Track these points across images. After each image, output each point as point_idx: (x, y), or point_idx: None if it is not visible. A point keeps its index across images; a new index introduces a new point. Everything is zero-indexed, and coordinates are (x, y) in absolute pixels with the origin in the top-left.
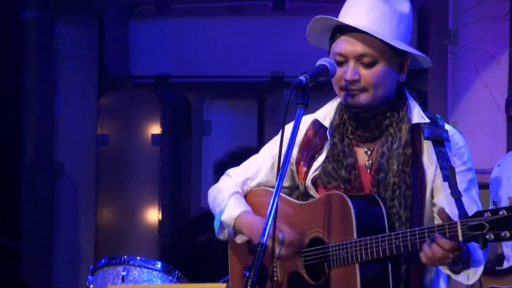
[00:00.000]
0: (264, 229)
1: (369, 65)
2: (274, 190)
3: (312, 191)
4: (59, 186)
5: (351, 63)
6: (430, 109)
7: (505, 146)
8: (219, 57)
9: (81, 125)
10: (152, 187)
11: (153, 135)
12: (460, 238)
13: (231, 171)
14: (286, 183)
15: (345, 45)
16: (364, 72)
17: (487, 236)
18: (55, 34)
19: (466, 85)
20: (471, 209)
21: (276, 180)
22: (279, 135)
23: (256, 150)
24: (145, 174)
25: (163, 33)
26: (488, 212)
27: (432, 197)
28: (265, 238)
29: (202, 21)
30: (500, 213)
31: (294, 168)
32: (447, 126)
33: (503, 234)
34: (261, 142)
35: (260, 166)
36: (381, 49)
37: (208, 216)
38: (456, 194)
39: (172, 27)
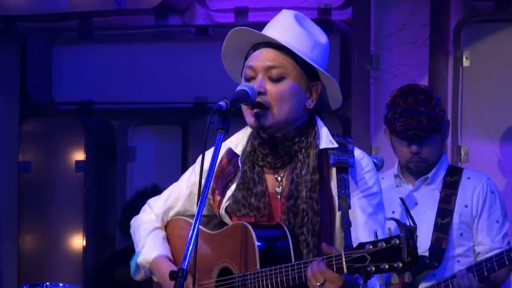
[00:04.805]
0: (185, 255)
1: (276, 80)
2: (193, 220)
3: (226, 219)
4: None
5: (259, 76)
6: (354, 134)
7: None
8: (143, 83)
9: (2, 151)
10: (76, 213)
11: (77, 162)
12: (345, 271)
13: (152, 201)
14: (205, 211)
15: (256, 58)
16: (270, 86)
17: (368, 269)
18: None
19: None
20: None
21: (196, 207)
22: (197, 163)
23: (180, 176)
24: (69, 201)
25: (86, 59)
26: (369, 244)
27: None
28: (185, 264)
29: (125, 48)
30: (379, 245)
31: (210, 196)
32: (356, 151)
33: (382, 267)
34: (185, 167)
35: (178, 195)
36: (290, 66)
37: (132, 244)
38: (345, 225)
39: (96, 53)
